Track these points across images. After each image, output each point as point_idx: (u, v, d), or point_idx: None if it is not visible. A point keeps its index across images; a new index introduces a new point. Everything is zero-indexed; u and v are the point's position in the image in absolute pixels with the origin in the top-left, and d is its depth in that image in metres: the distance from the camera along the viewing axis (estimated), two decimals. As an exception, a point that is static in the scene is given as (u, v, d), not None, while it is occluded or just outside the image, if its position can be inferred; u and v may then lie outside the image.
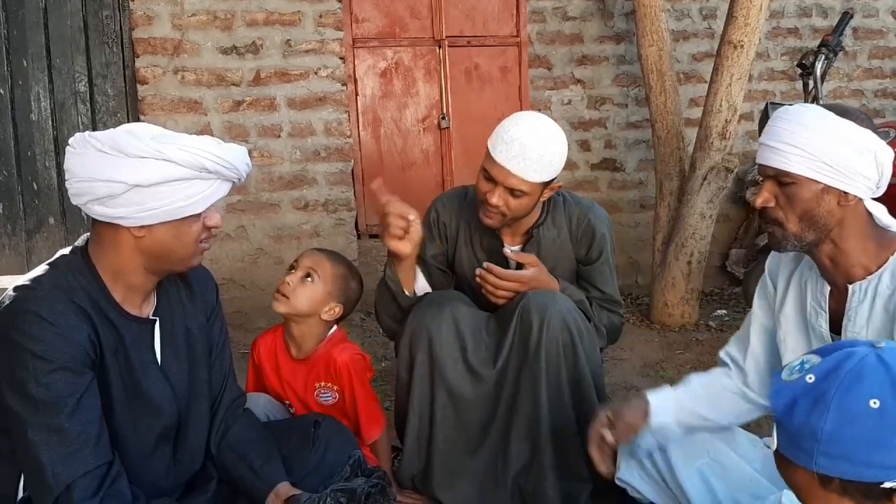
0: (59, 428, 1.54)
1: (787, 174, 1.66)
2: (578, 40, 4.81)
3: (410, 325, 2.34)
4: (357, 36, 4.52)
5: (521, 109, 4.66)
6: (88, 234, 1.73)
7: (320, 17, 4.29)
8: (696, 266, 4.14)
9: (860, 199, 1.68)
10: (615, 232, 2.61)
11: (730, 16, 4.01)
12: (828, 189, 1.65)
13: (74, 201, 1.64)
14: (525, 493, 2.26)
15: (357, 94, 4.54)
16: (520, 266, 2.36)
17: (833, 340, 1.74)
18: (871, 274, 1.70)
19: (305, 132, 4.33)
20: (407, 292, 2.37)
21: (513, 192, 2.26)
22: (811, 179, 1.65)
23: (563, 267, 2.47)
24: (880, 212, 1.74)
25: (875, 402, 1.00)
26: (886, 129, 4.05)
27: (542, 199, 2.36)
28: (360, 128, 4.56)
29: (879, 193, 1.70)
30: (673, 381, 3.33)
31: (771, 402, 1.11)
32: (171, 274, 1.79)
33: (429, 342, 2.29)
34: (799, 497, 1.11)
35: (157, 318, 1.78)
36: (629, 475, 2.05)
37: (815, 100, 4.21)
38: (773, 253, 1.94)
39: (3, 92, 4.14)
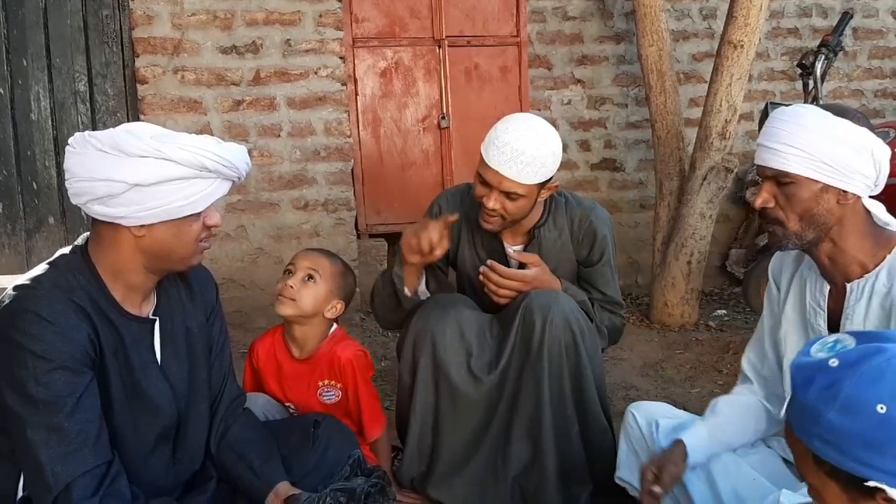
0: (59, 427, 1.55)
1: (786, 174, 1.68)
2: (578, 40, 4.81)
3: (414, 327, 2.34)
4: (357, 36, 4.52)
5: (521, 109, 4.66)
6: (88, 233, 1.73)
7: (320, 16, 4.29)
8: (695, 266, 4.14)
9: (859, 198, 1.70)
10: (615, 232, 2.60)
11: (730, 16, 4.01)
12: (826, 188, 1.67)
13: (74, 201, 1.64)
14: (526, 493, 2.26)
15: (357, 94, 4.54)
16: (522, 266, 2.36)
17: (832, 340, 1.75)
18: (868, 272, 1.72)
19: (305, 132, 4.33)
20: (408, 291, 2.37)
21: (508, 195, 2.25)
22: (810, 179, 1.66)
23: (564, 268, 2.47)
24: (879, 210, 1.75)
25: (882, 408, 1.01)
26: (886, 129, 4.05)
27: (539, 200, 2.36)
28: (360, 127, 4.56)
29: (878, 191, 1.72)
30: (672, 381, 3.38)
31: (791, 369, 1.13)
32: (171, 273, 1.79)
33: (432, 346, 2.29)
34: (796, 464, 1.14)
35: (157, 318, 1.78)
36: (629, 474, 2.04)
37: (815, 100, 4.21)
38: (775, 255, 1.96)
39: (2, 91, 4.14)
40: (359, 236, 4.50)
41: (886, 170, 1.69)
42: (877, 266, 1.71)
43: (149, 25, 4.12)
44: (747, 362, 2.03)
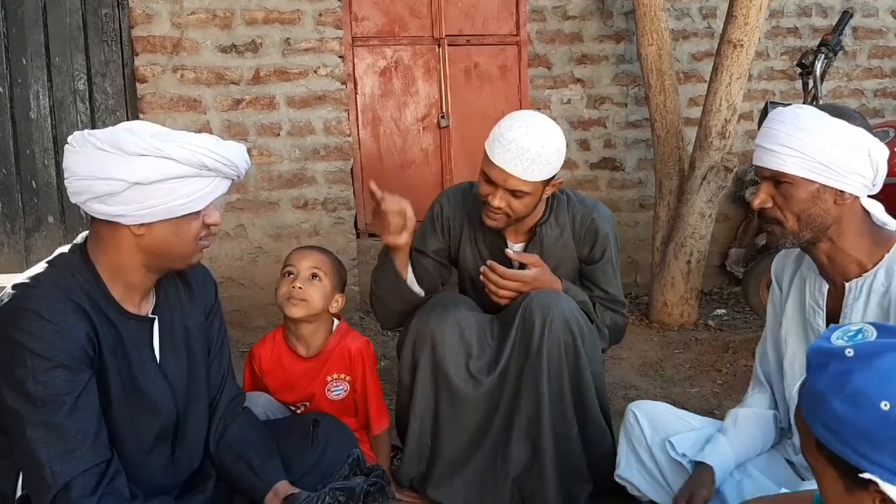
0: (58, 426, 1.54)
1: (783, 175, 1.69)
2: (578, 39, 4.81)
3: (414, 328, 2.34)
4: (356, 34, 4.52)
5: (521, 108, 4.65)
6: (87, 232, 1.72)
7: (320, 15, 4.29)
8: (695, 265, 4.14)
9: (856, 198, 1.71)
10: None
11: (729, 15, 4.01)
12: (824, 188, 1.68)
13: (74, 200, 1.64)
14: (525, 493, 2.26)
15: (356, 93, 4.54)
16: (523, 266, 2.36)
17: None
18: (866, 272, 1.73)
19: (305, 131, 4.33)
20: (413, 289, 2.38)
21: (514, 192, 2.26)
22: (807, 180, 1.68)
23: (565, 266, 2.47)
24: (877, 210, 1.76)
25: (886, 405, 1.02)
26: (886, 129, 4.05)
27: (544, 197, 2.36)
28: (360, 126, 4.56)
29: (876, 191, 1.73)
30: (672, 381, 3.38)
31: (808, 352, 1.14)
32: (171, 272, 1.79)
33: (432, 346, 2.29)
34: (800, 444, 1.16)
35: (156, 317, 1.78)
36: (629, 472, 2.05)
37: (815, 99, 4.21)
38: (778, 255, 1.98)
39: (2, 90, 4.14)
40: (358, 235, 4.50)
41: (884, 170, 1.70)
42: (875, 265, 1.72)
43: (148, 24, 4.12)
44: (760, 370, 2.03)
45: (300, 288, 2.24)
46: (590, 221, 2.46)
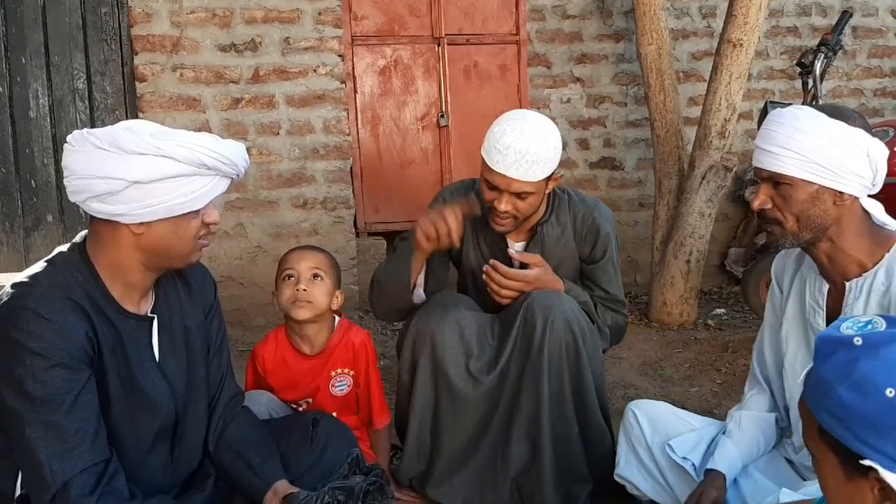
0: (57, 425, 1.54)
1: (783, 176, 1.70)
2: (578, 38, 4.81)
3: (414, 328, 2.34)
4: (356, 33, 4.51)
5: (521, 107, 4.65)
6: (86, 231, 1.72)
7: (319, 14, 4.29)
8: (694, 265, 4.14)
9: (856, 198, 1.71)
10: (615, 230, 2.60)
11: (729, 14, 4.01)
12: (823, 189, 1.68)
13: (73, 199, 1.63)
14: (524, 492, 2.26)
15: (356, 92, 4.53)
16: (525, 266, 2.35)
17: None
18: (867, 271, 1.73)
19: (304, 130, 4.32)
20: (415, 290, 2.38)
21: (519, 195, 2.26)
22: (806, 181, 1.68)
23: (566, 265, 2.47)
24: (876, 210, 1.77)
25: (891, 392, 1.02)
26: (886, 128, 4.05)
27: (546, 192, 2.36)
28: (359, 126, 4.56)
29: (875, 191, 1.73)
30: (671, 380, 3.38)
31: (816, 340, 1.14)
32: (170, 271, 1.79)
33: (432, 346, 2.29)
34: (802, 430, 1.17)
35: (155, 316, 1.77)
36: (628, 471, 2.05)
37: (815, 98, 4.21)
38: (778, 256, 1.98)
39: (1, 89, 4.13)
40: (357, 235, 4.50)
41: (884, 170, 1.70)
42: (875, 265, 1.72)
43: (147, 23, 4.12)
44: (755, 363, 2.03)
45: (304, 290, 2.24)
46: (591, 221, 2.46)
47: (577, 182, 4.75)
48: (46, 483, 1.54)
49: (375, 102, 4.58)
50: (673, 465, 1.97)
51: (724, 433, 1.95)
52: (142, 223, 1.63)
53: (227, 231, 4.22)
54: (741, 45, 3.96)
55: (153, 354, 1.76)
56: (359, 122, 4.55)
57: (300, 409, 2.34)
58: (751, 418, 1.95)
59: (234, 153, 1.70)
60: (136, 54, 4.13)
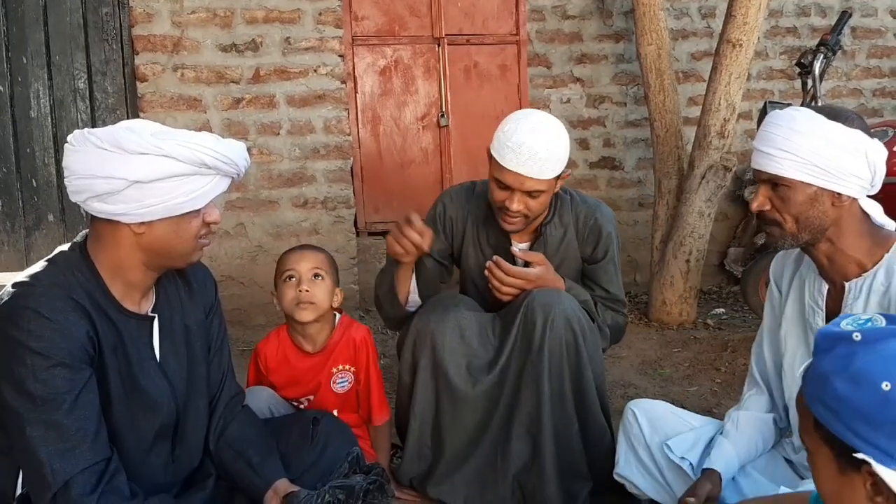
0: (58, 424, 1.55)
1: (781, 178, 1.70)
2: (578, 39, 4.81)
3: (414, 328, 2.34)
4: (356, 34, 4.52)
5: (521, 107, 4.65)
6: (87, 230, 1.72)
7: (320, 14, 4.29)
8: (694, 264, 4.14)
9: (854, 199, 1.71)
10: (615, 230, 2.61)
11: (729, 14, 4.01)
12: (821, 191, 1.69)
13: (74, 198, 1.64)
14: (525, 490, 2.26)
15: (356, 92, 4.54)
16: (527, 264, 2.36)
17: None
18: (866, 272, 1.73)
19: (305, 130, 4.33)
20: (400, 296, 2.38)
21: (531, 193, 2.26)
22: (804, 182, 1.68)
23: (568, 265, 2.48)
24: (875, 211, 1.77)
25: (887, 385, 1.03)
26: (885, 128, 4.05)
27: (555, 191, 2.37)
28: (360, 125, 4.56)
29: (874, 191, 1.73)
30: (671, 380, 3.38)
31: (817, 336, 1.15)
32: (171, 270, 1.79)
33: (432, 347, 2.30)
34: (799, 425, 1.17)
35: (156, 315, 1.78)
36: (628, 470, 2.05)
37: (814, 99, 4.21)
38: (776, 257, 1.98)
39: (2, 89, 4.14)
40: (358, 234, 4.50)
41: (882, 170, 1.70)
42: (875, 265, 1.72)
43: (148, 23, 4.12)
44: (756, 372, 2.03)
45: (306, 290, 2.24)
46: (593, 221, 2.47)
47: (577, 182, 4.75)
48: (47, 482, 1.54)
49: (376, 102, 4.58)
50: (672, 464, 1.97)
51: (721, 433, 1.96)
52: (142, 223, 1.63)
53: (228, 231, 4.23)
54: (741, 45, 3.97)
55: (154, 354, 1.76)
56: (359, 122, 4.55)
57: (301, 406, 2.35)
58: (749, 418, 1.95)
59: (234, 152, 1.70)
60: (137, 54, 4.13)
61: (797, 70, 4.47)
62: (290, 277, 2.27)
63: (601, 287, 2.50)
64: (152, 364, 1.75)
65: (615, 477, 2.08)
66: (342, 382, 2.34)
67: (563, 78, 4.82)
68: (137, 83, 4.16)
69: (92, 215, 1.65)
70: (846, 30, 4.61)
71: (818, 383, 1.10)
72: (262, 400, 2.21)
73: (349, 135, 4.41)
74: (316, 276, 2.27)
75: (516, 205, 2.26)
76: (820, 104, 4.12)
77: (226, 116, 4.23)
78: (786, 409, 1.96)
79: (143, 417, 1.72)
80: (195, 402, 1.85)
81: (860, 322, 1.13)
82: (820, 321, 1.80)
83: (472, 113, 4.64)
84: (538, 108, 4.67)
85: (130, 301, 1.72)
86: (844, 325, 1.13)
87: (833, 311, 1.78)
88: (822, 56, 4.26)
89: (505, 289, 2.32)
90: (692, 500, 1.77)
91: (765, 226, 1.79)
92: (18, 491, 1.65)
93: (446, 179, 4.63)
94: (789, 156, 1.67)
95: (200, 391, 1.86)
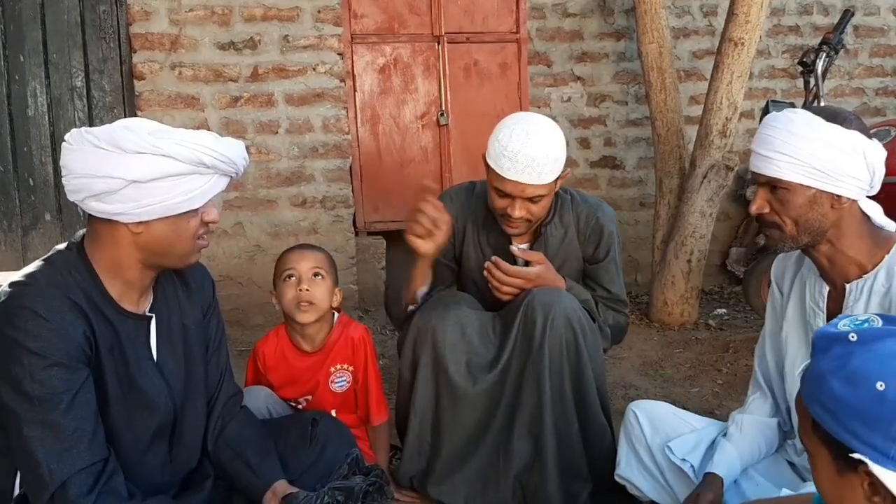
0: (55, 424, 1.54)
1: (780, 181, 1.70)
2: (578, 37, 4.80)
3: (415, 325, 2.34)
4: (355, 32, 4.50)
5: (521, 106, 4.65)
6: (85, 229, 1.72)
7: (319, 12, 4.28)
8: (695, 264, 4.13)
9: (854, 201, 1.72)
10: (616, 230, 2.59)
11: (730, 13, 4.00)
12: (820, 193, 1.69)
13: (71, 197, 1.63)
14: (527, 490, 2.26)
15: (355, 91, 4.52)
16: (527, 263, 2.35)
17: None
18: (866, 273, 1.73)
19: (303, 129, 4.31)
20: (417, 292, 2.37)
21: (532, 199, 2.26)
22: (803, 185, 1.69)
23: (569, 265, 2.47)
24: (875, 212, 1.77)
25: (881, 385, 1.03)
26: (887, 128, 4.04)
27: (556, 191, 2.36)
28: (359, 124, 4.54)
29: (874, 192, 1.74)
30: (672, 380, 3.37)
31: (814, 337, 1.15)
32: (168, 270, 1.78)
33: (433, 344, 2.29)
34: (798, 426, 1.18)
35: (154, 315, 1.77)
36: (629, 472, 2.05)
37: (817, 98, 4.19)
38: (777, 258, 1.98)
39: (-1, 87, 4.13)
40: (357, 234, 4.49)
41: (882, 171, 1.71)
42: (875, 267, 1.73)
43: (146, 21, 4.11)
44: (757, 366, 2.03)
45: (307, 290, 2.23)
46: (594, 221, 2.46)
47: (577, 181, 4.74)
48: (45, 482, 1.54)
49: (375, 101, 4.57)
50: (673, 466, 1.97)
51: (724, 436, 1.95)
52: (140, 222, 1.62)
53: (226, 230, 4.21)
54: (742, 43, 3.95)
55: (151, 353, 1.75)
56: (358, 120, 4.54)
57: (299, 406, 2.34)
58: (752, 422, 1.95)
59: (233, 151, 1.69)
60: (135, 52, 4.12)
61: (799, 69, 4.45)
62: (290, 276, 2.26)
63: (603, 287, 2.50)
64: (149, 364, 1.74)
65: (616, 478, 2.09)
66: (340, 382, 2.33)
67: (564, 76, 4.81)
68: (135, 81, 4.14)
69: (90, 214, 1.65)
70: (849, 28, 4.60)
71: (815, 384, 1.10)
72: (260, 400, 2.21)
73: (348, 133, 4.40)
74: (316, 275, 2.27)
75: (518, 211, 2.26)
76: (822, 103, 4.11)
77: (224, 115, 4.22)
78: (788, 411, 1.96)
79: (140, 417, 1.72)
80: (193, 402, 1.84)
81: (857, 323, 1.13)
82: (821, 323, 1.80)
83: (472, 112, 4.62)
84: (538, 107, 4.69)
85: (128, 301, 1.71)
86: (841, 325, 1.14)
87: (834, 312, 1.78)
88: (824, 55, 4.24)
89: (505, 288, 2.32)
90: None
91: (764, 228, 1.80)
92: (17, 491, 1.64)
93: (446, 178, 4.61)
94: (788, 158, 1.67)
95: (198, 391, 1.86)
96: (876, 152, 1.68)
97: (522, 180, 2.20)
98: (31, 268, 1.65)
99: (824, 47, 4.26)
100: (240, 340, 3.72)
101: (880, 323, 1.12)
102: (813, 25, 5.07)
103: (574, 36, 4.79)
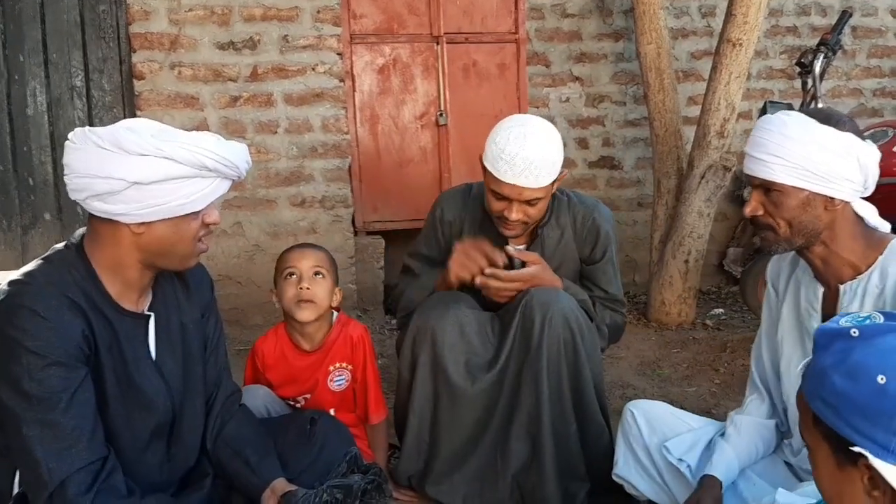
0: (54, 423, 1.54)
1: (773, 183, 1.71)
2: (577, 37, 4.80)
3: (414, 325, 2.34)
4: (355, 32, 4.50)
5: (520, 106, 4.65)
6: (84, 228, 1.72)
7: (318, 12, 4.28)
8: (693, 264, 4.13)
9: (847, 203, 1.72)
10: (614, 230, 2.60)
11: (729, 14, 4.01)
12: (814, 195, 1.70)
13: (73, 196, 1.63)
14: (524, 490, 2.26)
15: (355, 91, 4.52)
16: (524, 264, 2.35)
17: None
18: (860, 274, 1.74)
19: (303, 128, 4.32)
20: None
21: (529, 202, 2.26)
22: (796, 187, 1.69)
23: (567, 266, 2.47)
24: (869, 213, 1.78)
25: (882, 379, 1.04)
26: (885, 129, 4.04)
27: (553, 192, 2.36)
28: (358, 124, 4.55)
29: (868, 193, 1.74)
30: (669, 380, 3.38)
31: (815, 333, 1.16)
32: (168, 271, 1.79)
33: (432, 343, 2.29)
34: (799, 422, 1.18)
35: (152, 314, 1.77)
36: (626, 471, 2.05)
37: (814, 98, 4.20)
38: (773, 259, 1.99)
39: (-1, 86, 4.13)
40: (356, 233, 4.49)
41: (875, 173, 1.71)
42: (869, 268, 1.73)
43: (146, 21, 4.11)
44: (754, 367, 2.03)
45: (307, 288, 2.24)
46: (591, 221, 2.47)
47: (575, 181, 4.74)
48: (44, 481, 1.54)
49: (374, 101, 4.57)
50: (671, 466, 1.97)
51: (722, 436, 1.95)
52: (142, 223, 1.62)
53: (225, 230, 4.21)
54: (741, 44, 3.96)
55: (150, 352, 1.76)
56: (357, 120, 4.54)
57: (298, 405, 2.34)
58: (750, 423, 1.95)
59: (235, 155, 1.69)
60: (135, 52, 4.12)
61: (797, 70, 4.46)
62: (291, 275, 2.27)
63: (600, 287, 2.50)
64: (148, 363, 1.75)
65: (614, 478, 2.09)
66: (339, 380, 2.34)
67: (563, 77, 4.81)
68: (134, 81, 4.14)
69: (91, 213, 1.65)
70: (846, 29, 4.60)
71: (817, 379, 1.11)
72: (258, 399, 2.21)
73: (347, 133, 4.40)
74: (317, 273, 2.27)
75: (515, 214, 2.26)
76: (820, 104, 4.12)
77: (223, 115, 4.22)
78: (785, 411, 1.96)
79: (138, 416, 1.72)
80: (191, 400, 1.84)
81: (859, 319, 1.14)
82: (816, 324, 1.80)
83: (470, 112, 4.62)
84: (537, 107, 4.69)
85: (127, 300, 1.71)
86: (843, 322, 1.14)
87: (829, 313, 1.78)
88: (822, 56, 4.25)
89: (503, 293, 2.32)
90: None
91: (758, 230, 1.80)
92: (16, 490, 1.65)
93: (445, 179, 4.62)
94: (781, 161, 1.68)
95: (197, 390, 1.86)
96: (869, 154, 1.69)
97: (520, 183, 2.21)
98: (29, 267, 1.65)
99: (822, 48, 4.26)
100: (238, 340, 3.72)
101: (882, 319, 1.13)
102: (811, 26, 5.07)
103: (573, 36, 4.79)
